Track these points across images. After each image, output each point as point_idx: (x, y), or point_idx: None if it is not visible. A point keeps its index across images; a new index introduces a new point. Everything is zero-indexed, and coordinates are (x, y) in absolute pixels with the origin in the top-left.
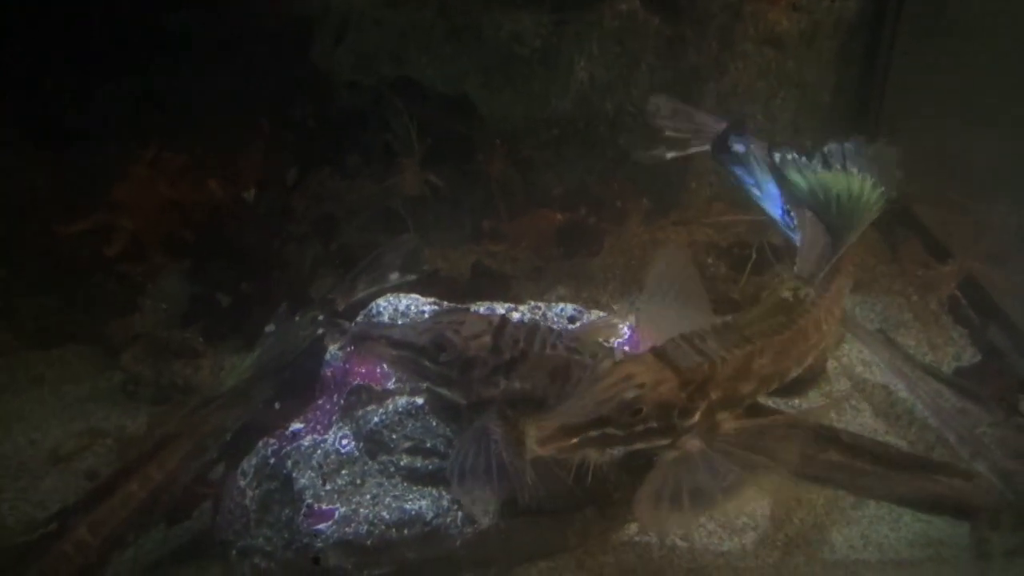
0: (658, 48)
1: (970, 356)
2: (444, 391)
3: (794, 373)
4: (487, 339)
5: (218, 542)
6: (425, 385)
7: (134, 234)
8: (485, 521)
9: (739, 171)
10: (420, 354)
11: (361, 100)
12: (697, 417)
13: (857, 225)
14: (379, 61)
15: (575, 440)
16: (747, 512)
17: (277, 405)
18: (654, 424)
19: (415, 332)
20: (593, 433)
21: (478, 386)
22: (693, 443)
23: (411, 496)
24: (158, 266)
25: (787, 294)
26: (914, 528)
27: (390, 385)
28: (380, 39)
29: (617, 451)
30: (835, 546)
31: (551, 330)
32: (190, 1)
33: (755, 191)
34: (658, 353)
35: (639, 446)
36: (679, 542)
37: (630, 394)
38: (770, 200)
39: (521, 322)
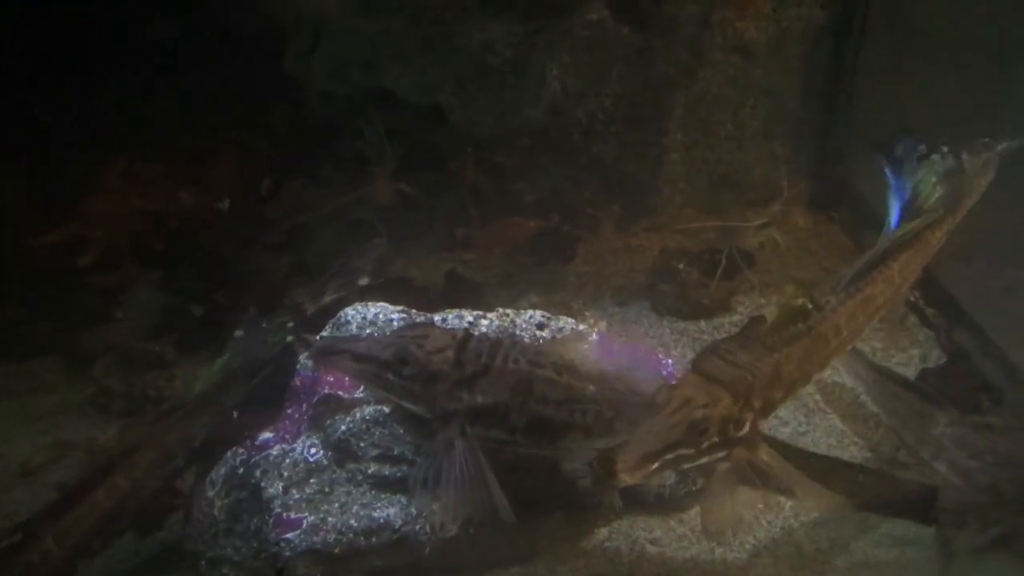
0: (628, 57)
1: (936, 358)
2: (408, 404)
3: (817, 376)
4: (450, 353)
5: (188, 552)
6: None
7: (107, 245)
8: (451, 530)
9: (890, 172)
10: (384, 368)
11: (334, 110)
12: (747, 427)
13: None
14: (352, 71)
15: (656, 465)
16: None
17: (246, 414)
18: (716, 439)
19: (379, 346)
20: (669, 456)
21: (441, 400)
22: (742, 453)
23: (379, 504)
24: (131, 277)
25: (798, 303)
26: (880, 529)
27: (358, 393)
28: (353, 49)
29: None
30: (802, 548)
31: (515, 343)
32: (164, 12)
33: (892, 195)
34: (700, 372)
35: (704, 461)
36: (648, 547)
37: (697, 415)
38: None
39: (485, 336)
